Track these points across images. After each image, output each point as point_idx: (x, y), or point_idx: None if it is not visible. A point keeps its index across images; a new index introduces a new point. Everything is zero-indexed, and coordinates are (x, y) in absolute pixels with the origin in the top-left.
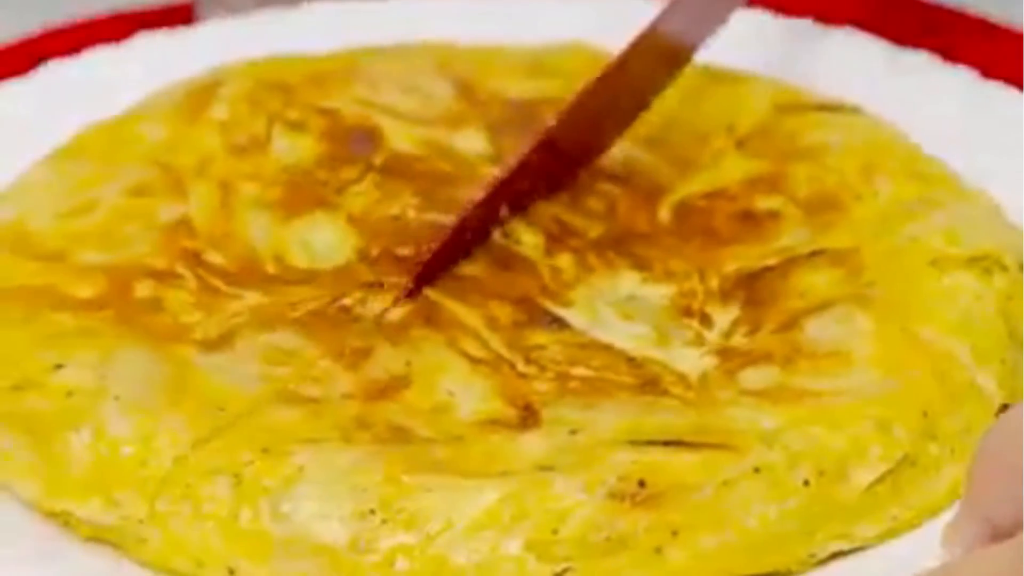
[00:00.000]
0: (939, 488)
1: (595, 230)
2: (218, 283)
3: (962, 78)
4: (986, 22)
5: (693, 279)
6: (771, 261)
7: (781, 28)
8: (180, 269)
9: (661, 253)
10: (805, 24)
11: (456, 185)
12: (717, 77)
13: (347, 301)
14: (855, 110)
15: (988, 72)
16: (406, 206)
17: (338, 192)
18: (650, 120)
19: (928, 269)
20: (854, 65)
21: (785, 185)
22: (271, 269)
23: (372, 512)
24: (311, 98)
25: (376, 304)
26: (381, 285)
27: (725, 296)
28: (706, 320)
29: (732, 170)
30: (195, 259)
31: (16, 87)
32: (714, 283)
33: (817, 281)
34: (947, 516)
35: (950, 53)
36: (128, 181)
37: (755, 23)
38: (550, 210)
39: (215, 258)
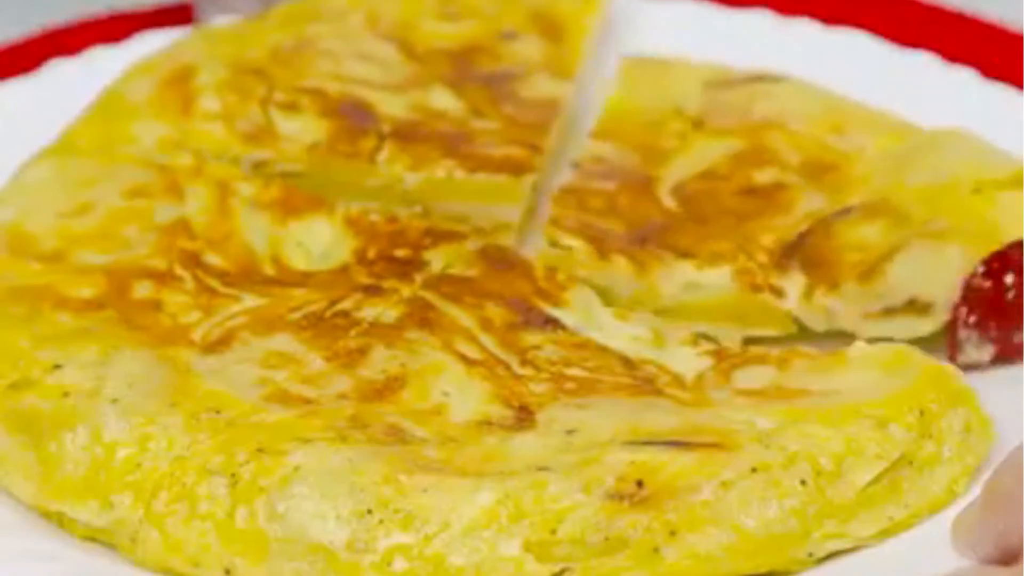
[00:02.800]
0: (936, 488)
1: (618, 226)
2: (216, 284)
3: (962, 78)
4: (986, 22)
5: (740, 258)
6: (803, 228)
7: (782, 27)
8: (179, 270)
9: (696, 239)
10: (805, 24)
11: (472, 142)
12: (641, 65)
13: (345, 304)
14: (782, 78)
15: (988, 72)
16: (449, 167)
17: (370, 161)
18: (594, 113)
19: (974, 197)
20: (855, 65)
21: (770, 156)
22: (269, 271)
23: (370, 512)
24: (288, 79)
25: (374, 308)
26: (379, 289)
27: (780, 267)
28: (779, 292)
29: (706, 150)
30: (194, 260)
31: (18, 86)
32: (762, 257)
33: (866, 233)
34: (944, 516)
35: (950, 53)
36: (125, 182)
37: (756, 23)
38: (570, 215)
39: (213, 259)
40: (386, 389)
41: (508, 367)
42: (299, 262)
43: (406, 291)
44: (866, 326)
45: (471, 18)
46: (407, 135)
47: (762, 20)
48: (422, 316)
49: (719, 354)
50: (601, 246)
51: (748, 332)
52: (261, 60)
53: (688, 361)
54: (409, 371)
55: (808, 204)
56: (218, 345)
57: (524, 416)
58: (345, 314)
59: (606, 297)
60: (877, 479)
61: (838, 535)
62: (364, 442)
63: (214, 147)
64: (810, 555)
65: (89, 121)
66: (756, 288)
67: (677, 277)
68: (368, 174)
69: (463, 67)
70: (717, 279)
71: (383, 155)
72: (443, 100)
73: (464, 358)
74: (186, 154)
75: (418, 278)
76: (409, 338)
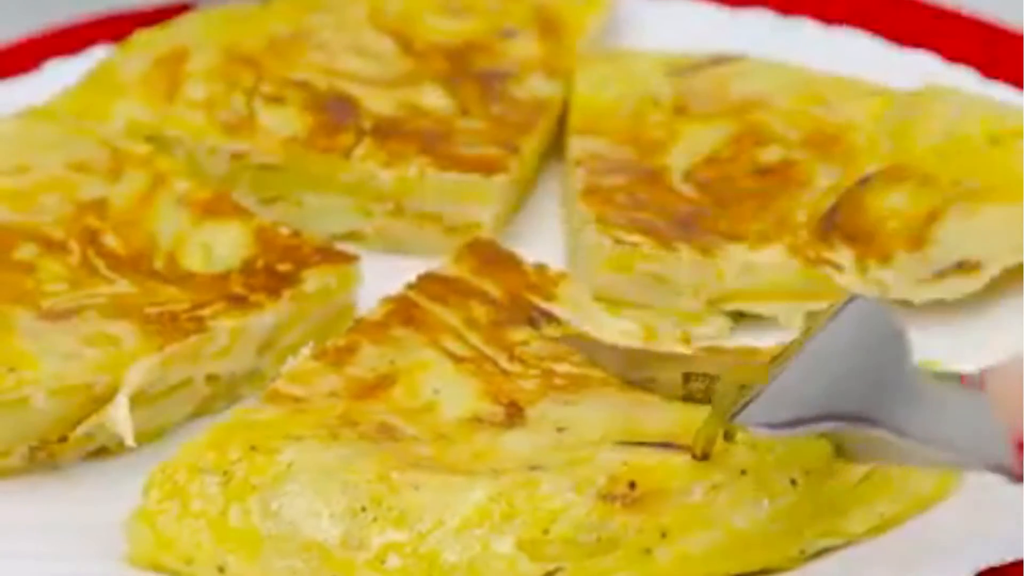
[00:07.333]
0: (927, 484)
1: (654, 218)
2: (100, 264)
3: (962, 78)
4: (986, 22)
5: (784, 236)
6: (828, 203)
7: (782, 27)
8: (72, 244)
9: (731, 223)
10: (805, 24)
11: (451, 141)
12: (596, 58)
13: (204, 311)
14: (741, 57)
15: (988, 72)
16: (422, 165)
17: (346, 156)
18: (570, 111)
19: (994, 150)
20: (854, 65)
21: (768, 135)
22: (158, 264)
23: (363, 509)
24: (279, 70)
25: (228, 320)
26: (244, 300)
27: (825, 241)
28: (836, 266)
29: (700, 136)
30: (91, 238)
31: (18, 86)
32: (803, 234)
33: (895, 200)
34: (935, 512)
35: (950, 53)
36: (74, 156)
37: (756, 22)
38: (613, 212)
39: (111, 241)
40: (376, 387)
41: (496, 363)
42: (193, 262)
43: (269, 306)
44: (917, 292)
45: (473, 14)
46: (387, 132)
47: (762, 20)
48: (407, 315)
49: (711, 350)
50: (659, 237)
51: (809, 308)
52: (256, 49)
53: None
54: (399, 368)
55: (825, 177)
56: (59, 316)
57: (514, 412)
58: (199, 320)
59: (667, 288)
60: (868, 476)
61: (830, 533)
62: (355, 439)
63: (193, 135)
64: (802, 552)
65: (78, 90)
66: (814, 263)
67: (735, 260)
68: (341, 169)
69: (459, 64)
70: (773, 258)
71: (359, 151)
72: (433, 98)
73: (452, 355)
74: (144, 143)
75: (286, 295)
76: (396, 335)
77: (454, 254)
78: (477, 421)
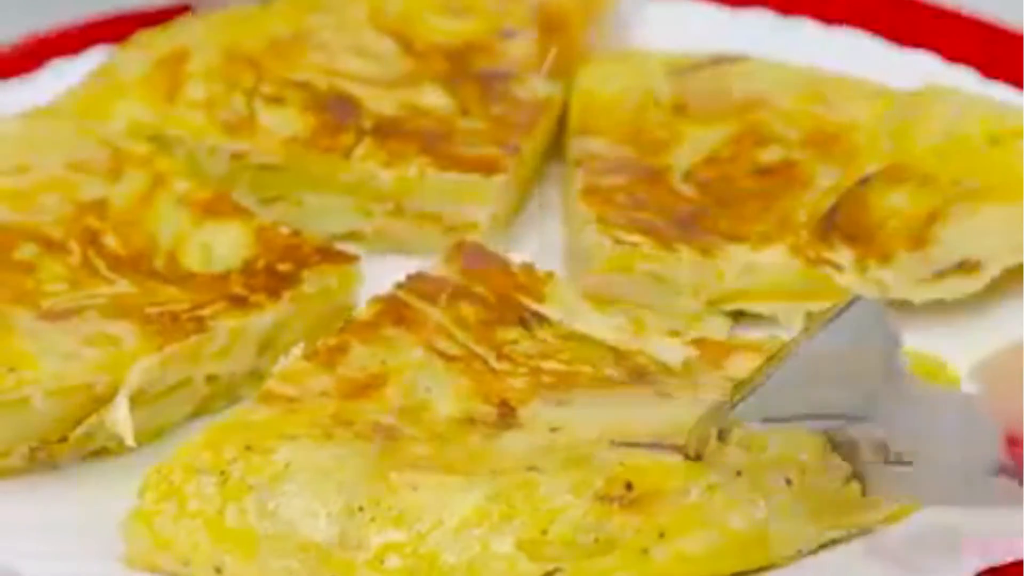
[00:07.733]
0: None
1: (655, 218)
2: (100, 265)
3: (962, 78)
4: (986, 22)
5: (785, 236)
6: (828, 203)
7: (782, 27)
8: (72, 244)
9: (732, 223)
10: (805, 24)
11: (451, 141)
12: (597, 58)
13: (204, 311)
14: (742, 57)
15: (988, 72)
16: (422, 165)
17: (346, 156)
18: (571, 111)
19: (993, 150)
20: (854, 65)
21: (768, 135)
22: (158, 264)
23: (360, 509)
24: (279, 70)
25: (228, 320)
26: (244, 301)
27: (825, 241)
28: (836, 266)
29: (701, 136)
30: (91, 238)
31: (19, 86)
32: (804, 234)
33: (896, 200)
34: (935, 511)
35: (950, 53)
36: (75, 156)
37: (756, 22)
38: (613, 212)
39: (111, 241)
40: (368, 387)
41: (485, 362)
42: (192, 262)
43: (269, 306)
44: (918, 292)
45: (473, 14)
46: (388, 132)
47: (762, 20)
48: (397, 314)
49: (701, 343)
50: (659, 238)
51: (809, 308)
52: (256, 50)
53: (674, 351)
54: (389, 368)
55: (825, 177)
56: (59, 316)
57: (506, 412)
58: (199, 320)
59: (667, 288)
60: None
61: (827, 530)
62: (350, 439)
63: (193, 135)
64: (799, 551)
65: (79, 90)
66: (814, 263)
67: (735, 260)
68: (342, 169)
69: (459, 64)
70: (774, 258)
71: (360, 151)
72: (433, 97)
73: (442, 354)
74: (145, 143)
75: (286, 295)
76: (386, 335)
77: (443, 255)
78: (470, 422)
